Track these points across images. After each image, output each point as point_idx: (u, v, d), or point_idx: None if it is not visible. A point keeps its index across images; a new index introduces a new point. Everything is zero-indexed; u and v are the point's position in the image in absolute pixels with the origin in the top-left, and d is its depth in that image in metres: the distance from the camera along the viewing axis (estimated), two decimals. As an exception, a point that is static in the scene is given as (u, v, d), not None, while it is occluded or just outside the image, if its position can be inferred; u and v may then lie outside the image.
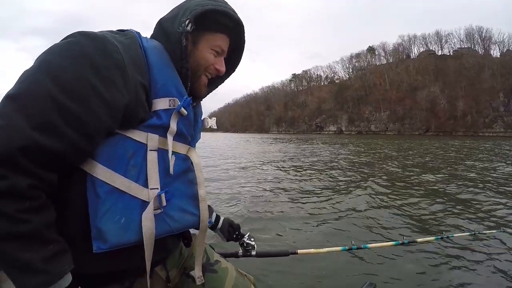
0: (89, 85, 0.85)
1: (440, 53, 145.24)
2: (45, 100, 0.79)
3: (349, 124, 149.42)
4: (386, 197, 7.48)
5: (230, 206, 6.73)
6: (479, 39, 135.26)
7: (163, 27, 1.14)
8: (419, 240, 2.98)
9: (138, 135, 0.99)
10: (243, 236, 1.94)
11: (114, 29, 1.06)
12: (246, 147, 30.93)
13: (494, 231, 4.32)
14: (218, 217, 1.82)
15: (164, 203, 1.05)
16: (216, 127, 1.38)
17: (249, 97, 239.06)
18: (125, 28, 1.11)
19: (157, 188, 1.04)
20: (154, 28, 1.20)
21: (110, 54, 0.90)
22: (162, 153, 1.06)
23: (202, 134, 1.42)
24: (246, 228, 3.29)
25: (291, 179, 10.39)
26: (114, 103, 0.90)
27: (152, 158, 1.03)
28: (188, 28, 1.07)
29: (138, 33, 1.10)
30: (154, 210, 1.03)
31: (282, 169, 13.16)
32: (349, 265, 3.87)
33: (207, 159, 16.66)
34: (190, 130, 1.19)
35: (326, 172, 11.92)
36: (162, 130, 1.05)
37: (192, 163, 1.18)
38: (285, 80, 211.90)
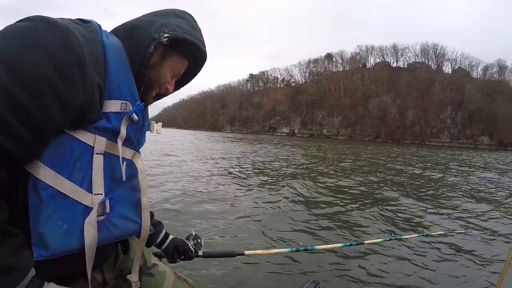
0: (47, 80, 0.78)
1: (395, 65, 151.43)
2: None
3: (302, 127, 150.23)
4: (331, 199, 7.77)
5: (172, 205, 6.52)
6: (433, 55, 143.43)
7: (133, 26, 1.10)
8: (367, 242, 2.94)
9: (86, 137, 0.94)
10: (191, 258, 1.80)
11: (74, 17, 0.98)
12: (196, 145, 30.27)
13: (442, 232, 4.46)
14: (166, 236, 1.67)
15: (108, 210, 1.01)
16: (161, 133, 1.34)
17: (205, 94, 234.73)
18: (87, 19, 1.04)
19: (101, 194, 0.99)
20: (118, 26, 1.15)
21: (72, 48, 0.83)
22: (108, 157, 1.01)
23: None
24: (191, 228, 3.79)
25: (236, 180, 10.16)
26: (70, 101, 0.85)
27: (98, 162, 0.98)
28: (164, 40, 1.04)
29: (99, 26, 1.03)
30: (97, 216, 0.98)
31: (227, 168, 12.90)
32: (296, 266, 3.87)
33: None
34: (138, 135, 1.16)
35: (267, 173, 12.08)
36: (110, 134, 1.01)
37: (136, 168, 1.15)
38: (242, 80, 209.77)
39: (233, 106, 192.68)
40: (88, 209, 0.95)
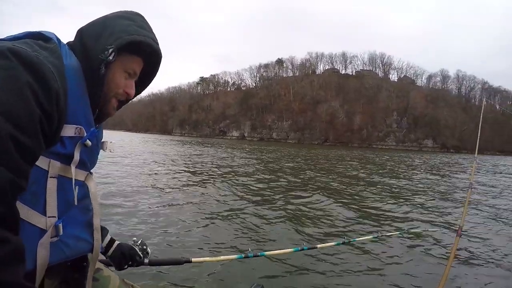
0: (37, 118, 0.82)
1: (343, 72, 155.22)
2: (6, 140, 0.73)
3: (252, 131, 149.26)
4: (275, 204, 7.75)
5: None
6: (380, 64, 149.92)
7: (84, 45, 1.10)
8: (319, 246, 2.96)
9: (41, 161, 0.94)
10: (141, 264, 1.73)
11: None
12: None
13: (397, 233, 4.55)
14: (111, 241, 1.62)
15: (61, 232, 1.03)
16: (113, 151, 1.36)
17: (154, 96, 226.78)
18: (47, 33, 1.05)
19: (55, 217, 1.01)
20: (75, 37, 1.15)
21: (50, 84, 0.86)
22: (61, 180, 1.03)
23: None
24: (136, 233, 3.71)
25: (182, 184, 10.26)
26: (51, 132, 0.90)
27: (51, 185, 1.00)
28: (111, 58, 1.06)
29: (60, 43, 1.05)
30: (50, 238, 1.00)
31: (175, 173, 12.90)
32: (244, 273, 3.85)
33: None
34: (91, 158, 1.19)
35: (213, 177, 12.19)
36: (64, 158, 1.02)
37: (88, 190, 1.18)
38: (192, 82, 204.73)
39: (182, 109, 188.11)
40: (42, 231, 0.96)
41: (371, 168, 20.23)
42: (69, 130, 0.99)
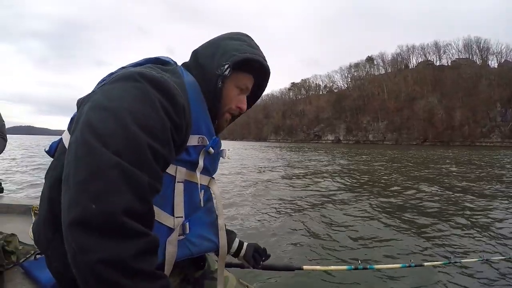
0: (169, 129, 0.92)
1: (438, 63, 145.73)
2: (145, 149, 0.83)
3: (347, 134, 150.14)
4: (388, 215, 7.23)
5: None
6: (477, 50, 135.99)
7: (200, 64, 1.21)
8: (426, 264, 2.93)
9: (169, 168, 1.03)
10: (269, 257, 1.83)
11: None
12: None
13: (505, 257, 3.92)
14: (241, 244, 1.72)
15: (187, 231, 1.14)
16: (231, 158, 1.44)
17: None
18: (164, 58, 1.17)
19: (182, 217, 1.10)
20: (190, 57, 1.27)
21: (176, 99, 0.95)
22: (187, 184, 1.12)
23: None
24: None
25: (289, 190, 10.34)
26: (178, 141, 0.99)
27: (179, 189, 1.09)
28: (227, 73, 1.14)
29: (176, 64, 1.18)
30: (178, 236, 1.10)
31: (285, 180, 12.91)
32: (353, 285, 3.82)
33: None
34: (213, 164, 1.26)
35: (325, 184, 11.78)
36: (189, 165, 1.12)
37: (212, 193, 1.28)
38: (283, 89, 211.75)
39: (276, 115, 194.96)
40: (170, 230, 1.08)
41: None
42: (193, 140, 1.09)
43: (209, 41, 1.28)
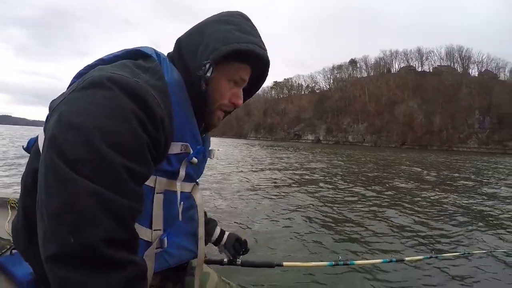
0: (146, 145, 0.84)
1: (420, 69, 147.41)
2: (121, 171, 0.76)
3: (327, 134, 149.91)
4: (369, 212, 7.36)
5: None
6: (458, 58, 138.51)
7: (183, 59, 1.07)
8: (407, 259, 2.88)
9: (148, 180, 0.95)
10: (248, 251, 1.80)
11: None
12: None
13: (483, 251, 4.41)
14: (222, 232, 1.69)
15: (166, 245, 1.08)
16: (219, 159, 1.35)
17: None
18: (145, 50, 1.05)
19: (160, 230, 1.05)
20: (174, 47, 1.12)
21: (153, 111, 0.85)
22: (167, 194, 1.05)
23: None
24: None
25: (272, 187, 10.19)
26: (158, 156, 0.92)
27: (158, 201, 1.02)
28: (208, 74, 1.00)
29: (159, 57, 1.03)
30: (155, 249, 1.05)
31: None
32: (334, 281, 3.81)
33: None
34: (197, 171, 1.18)
35: (307, 182, 11.79)
36: (170, 174, 1.04)
37: (194, 200, 1.20)
38: (266, 87, 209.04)
39: (257, 113, 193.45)
40: (147, 243, 1.02)
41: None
42: (175, 148, 1.00)
43: (195, 26, 1.11)
